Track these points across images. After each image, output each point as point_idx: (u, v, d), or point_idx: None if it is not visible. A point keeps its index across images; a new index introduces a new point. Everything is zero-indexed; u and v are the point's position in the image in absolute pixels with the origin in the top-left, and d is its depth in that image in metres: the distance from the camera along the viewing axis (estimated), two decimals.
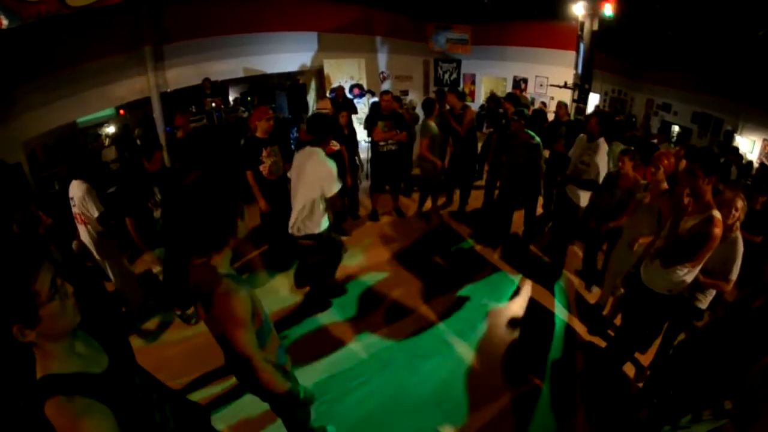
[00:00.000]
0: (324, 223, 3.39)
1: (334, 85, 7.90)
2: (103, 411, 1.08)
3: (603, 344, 3.46)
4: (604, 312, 3.76)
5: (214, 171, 1.53)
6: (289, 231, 3.44)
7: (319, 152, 3.22)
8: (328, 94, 7.97)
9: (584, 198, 4.05)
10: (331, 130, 3.55)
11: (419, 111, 6.07)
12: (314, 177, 3.20)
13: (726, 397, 1.27)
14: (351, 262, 4.55)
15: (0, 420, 1.68)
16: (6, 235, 1.13)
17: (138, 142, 6.28)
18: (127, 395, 1.22)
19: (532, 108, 6.32)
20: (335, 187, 3.22)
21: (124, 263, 3.67)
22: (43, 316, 1.06)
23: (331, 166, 3.16)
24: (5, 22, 3.94)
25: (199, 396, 2.87)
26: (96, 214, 3.22)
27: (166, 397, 1.45)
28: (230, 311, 1.49)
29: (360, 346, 3.42)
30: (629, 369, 3.23)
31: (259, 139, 3.90)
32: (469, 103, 7.26)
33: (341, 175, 4.62)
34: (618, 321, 3.51)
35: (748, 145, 7.27)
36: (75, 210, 3.28)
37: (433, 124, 4.93)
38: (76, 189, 3.22)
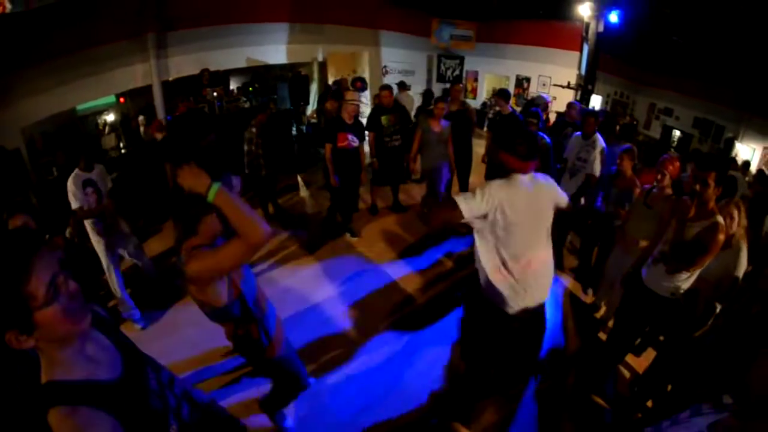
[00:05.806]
0: None
1: (337, 78, 7.83)
2: (109, 424, 0.98)
3: (597, 345, 3.48)
4: (599, 314, 3.79)
5: None
6: None
7: None
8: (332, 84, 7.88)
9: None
10: None
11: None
12: None
13: (724, 391, 1.27)
14: (350, 254, 4.60)
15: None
16: None
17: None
18: (141, 405, 1.12)
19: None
20: None
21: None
22: (39, 322, 0.93)
23: None
24: (9, 6, 3.89)
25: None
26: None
27: (188, 401, 1.34)
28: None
29: (359, 338, 3.46)
30: (623, 371, 3.25)
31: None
32: (470, 101, 7.24)
33: (357, 173, 4.70)
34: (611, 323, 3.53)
35: (748, 152, 7.29)
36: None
37: (428, 119, 4.88)
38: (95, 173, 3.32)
